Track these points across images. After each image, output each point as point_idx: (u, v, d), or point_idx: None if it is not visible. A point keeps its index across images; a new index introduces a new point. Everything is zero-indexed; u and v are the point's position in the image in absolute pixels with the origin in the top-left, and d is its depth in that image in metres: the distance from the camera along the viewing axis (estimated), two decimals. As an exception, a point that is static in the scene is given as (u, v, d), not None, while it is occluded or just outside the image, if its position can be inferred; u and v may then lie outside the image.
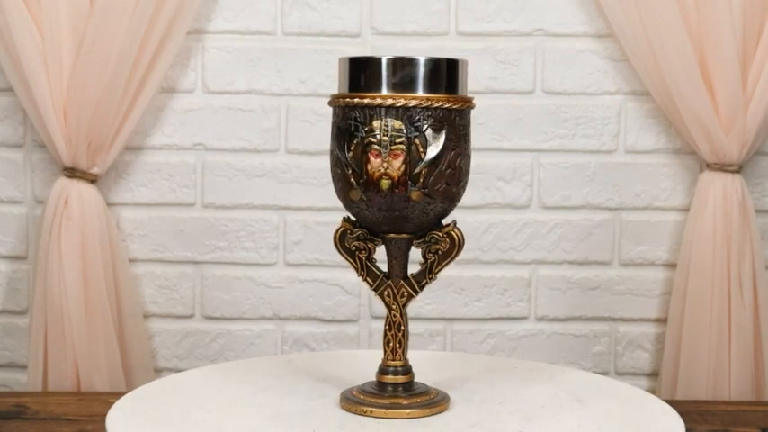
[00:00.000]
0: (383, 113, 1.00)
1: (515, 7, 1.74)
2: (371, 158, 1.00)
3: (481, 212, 1.77)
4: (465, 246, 1.76)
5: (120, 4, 1.62)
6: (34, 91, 1.64)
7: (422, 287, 1.06)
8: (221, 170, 1.76)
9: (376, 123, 1.00)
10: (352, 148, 1.00)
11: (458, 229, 1.05)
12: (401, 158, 1.00)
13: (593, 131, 1.76)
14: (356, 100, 1.00)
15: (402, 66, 1.00)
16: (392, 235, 1.04)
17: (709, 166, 1.71)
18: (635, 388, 1.16)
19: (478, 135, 1.75)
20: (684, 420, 1.05)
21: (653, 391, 1.77)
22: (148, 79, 1.69)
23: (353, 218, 1.05)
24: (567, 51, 1.75)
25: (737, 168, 1.70)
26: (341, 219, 1.06)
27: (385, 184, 1.00)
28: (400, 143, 1.00)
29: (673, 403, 1.13)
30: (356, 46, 1.74)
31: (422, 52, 1.66)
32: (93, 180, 1.70)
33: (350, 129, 1.00)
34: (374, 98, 1.00)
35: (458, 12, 1.75)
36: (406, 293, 1.05)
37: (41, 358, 1.68)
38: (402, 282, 1.05)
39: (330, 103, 1.03)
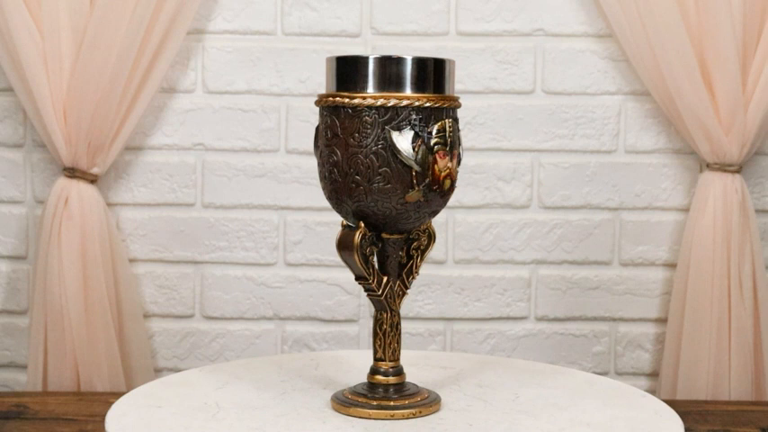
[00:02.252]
0: (443, 114, 1.00)
1: (515, 7, 1.74)
2: (439, 159, 0.99)
3: (481, 212, 1.77)
4: (465, 246, 1.77)
5: (120, 4, 1.62)
6: (34, 91, 1.64)
7: (410, 284, 1.06)
8: (221, 170, 1.76)
9: (441, 124, 1.00)
10: (417, 150, 0.99)
11: None
12: (456, 158, 1.01)
13: (593, 131, 1.76)
14: (417, 102, 0.99)
15: (440, 66, 1.01)
16: (393, 235, 1.03)
17: (709, 166, 1.71)
18: (634, 388, 1.16)
19: (478, 135, 1.75)
20: (684, 420, 1.05)
21: (653, 392, 1.77)
22: (148, 79, 1.69)
23: (351, 221, 1.03)
24: (567, 51, 1.75)
25: (737, 168, 1.70)
26: (344, 224, 1.03)
27: (448, 183, 1.01)
28: (457, 143, 1.01)
29: (673, 403, 1.13)
30: (356, 46, 1.74)
31: (422, 52, 1.66)
32: (93, 180, 1.70)
33: (415, 130, 0.99)
34: (437, 100, 1.00)
35: (458, 12, 1.75)
36: (401, 293, 1.06)
37: (41, 358, 1.68)
38: (398, 281, 1.05)
39: (373, 105, 0.99)
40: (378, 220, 1.01)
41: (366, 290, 1.05)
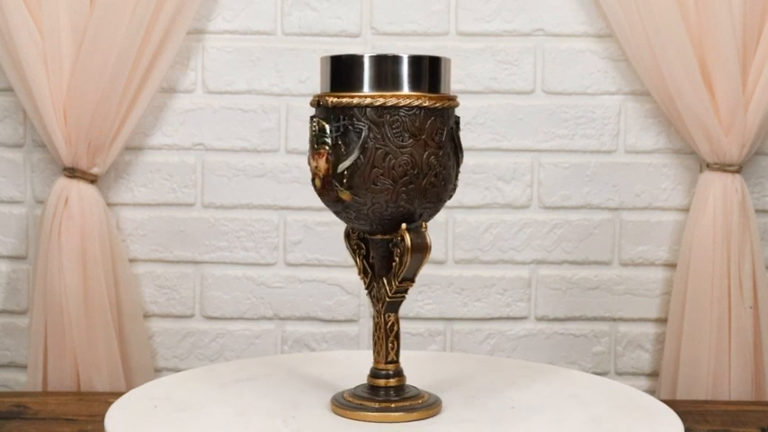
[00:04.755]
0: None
1: (515, 7, 1.74)
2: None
3: (481, 212, 1.77)
4: (465, 246, 1.77)
5: (120, 4, 1.62)
6: (34, 91, 1.64)
7: None
8: (221, 170, 1.76)
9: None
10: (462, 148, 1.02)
11: None
12: None
13: (593, 131, 1.76)
14: (453, 102, 1.01)
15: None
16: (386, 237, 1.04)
17: (709, 166, 1.71)
18: (633, 388, 1.16)
19: (478, 135, 1.75)
20: (684, 420, 1.05)
21: (653, 392, 1.77)
22: (148, 79, 1.69)
23: (377, 228, 1.02)
24: (567, 51, 1.75)
25: (737, 168, 1.70)
26: (407, 227, 0.99)
27: None
28: None
29: (673, 403, 1.13)
30: (356, 46, 1.74)
31: (422, 52, 1.66)
32: (93, 180, 1.70)
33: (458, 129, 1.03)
34: (454, 100, 1.02)
35: (458, 12, 1.75)
36: None
37: (41, 358, 1.68)
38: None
39: (429, 105, 0.98)
40: (425, 220, 1.02)
41: (400, 293, 1.02)
